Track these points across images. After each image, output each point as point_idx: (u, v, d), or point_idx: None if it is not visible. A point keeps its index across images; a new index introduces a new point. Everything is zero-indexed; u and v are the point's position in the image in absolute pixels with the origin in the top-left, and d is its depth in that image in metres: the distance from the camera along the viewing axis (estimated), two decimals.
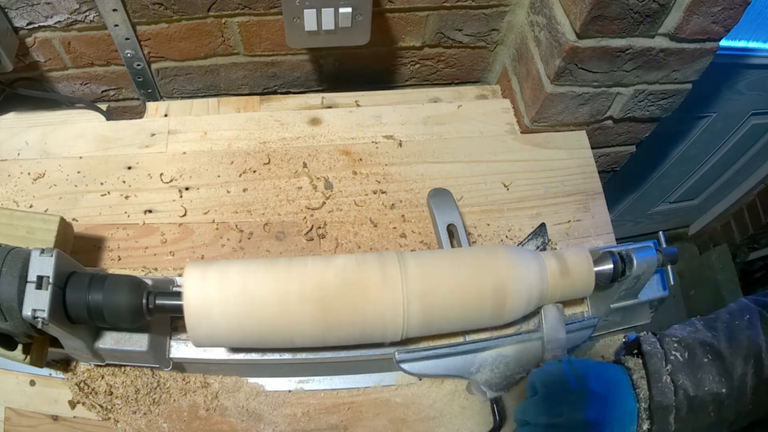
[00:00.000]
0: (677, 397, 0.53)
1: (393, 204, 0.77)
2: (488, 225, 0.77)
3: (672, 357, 0.54)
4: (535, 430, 0.56)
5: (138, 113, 0.94)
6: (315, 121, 0.84)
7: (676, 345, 0.55)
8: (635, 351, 0.59)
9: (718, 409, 0.53)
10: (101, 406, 0.62)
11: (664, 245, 0.61)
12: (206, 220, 0.74)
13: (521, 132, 0.86)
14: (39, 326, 0.48)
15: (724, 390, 0.53)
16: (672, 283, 0.64)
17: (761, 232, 1.80)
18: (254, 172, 0.79)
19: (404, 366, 0.60)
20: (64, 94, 0.88)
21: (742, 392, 0.53)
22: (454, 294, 0.55)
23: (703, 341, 0.55)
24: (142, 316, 0.53)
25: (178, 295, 0.52)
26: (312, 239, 0.74)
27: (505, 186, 0.77)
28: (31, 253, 0.49)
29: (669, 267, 0.61)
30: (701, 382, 0.53)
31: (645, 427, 0.54)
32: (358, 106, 0.88)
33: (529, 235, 0.67)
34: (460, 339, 0.62)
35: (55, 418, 0.63)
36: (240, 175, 0.78)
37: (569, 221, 0.79)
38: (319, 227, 0.75)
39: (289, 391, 0.65)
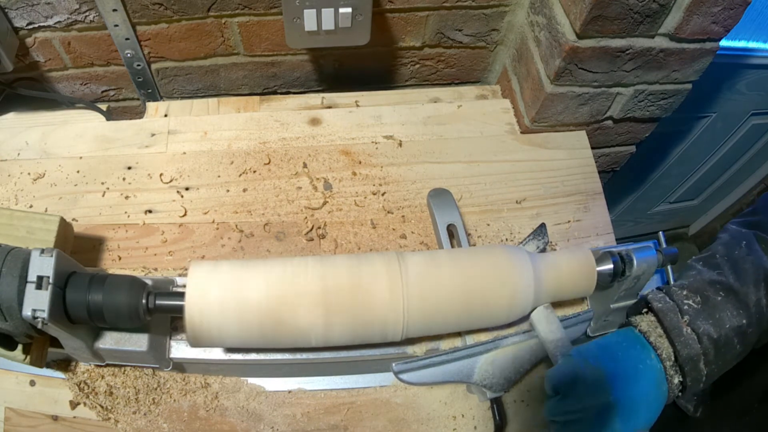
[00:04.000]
0: (702, 343, 0.53)
1: (393, 204, 0.77)
2: (488, 225, 0.77)
3: (686, 307, 0.54)
4: (567, 428, 0.56)
5: (138, 113, 0.94)
6: (315, 121, 0.84)
7: (686, 293, 0.55)
8: (644, 310, 0.58)
9: (741, 339, 0.54)
10: (101, 406, 0.62)
11: (664, 245, 0.61)
12: (206, 220, 0.74)
13: (521, 132, 0.86)
14: (39, 326, 0.48)
15: (744, 321, 0.54)
16: (672, 283, 0.64)
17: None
18: (254, 172, 0.79)
19: (403, 377, 0.60)
20: (64, 94, 0.88)
21: (761, 316, 0.54)
22: (454, 294, 0.55)
23: (711, 281, 0.56)
24: (142, 317, 0.53)
25: (178, 295, 0.52)
26: (312, 239, 0.74)
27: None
28: (31, 253, 0.49)
29: (669, 267, 0.61)
30: (721, 322, 0.54)
31: (676, 380, 0.54)
32: (358, 106, 0.88)
33: (529, 236, 0.67)
34: (459, 341, 0.62)
35: (55, 418, 0.63)
36: (240, 175, 0.78)
37: (569, 221, 0.79)
38: (319, 227, 0.75)
39: (289, 392, 0.65)
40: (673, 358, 0.54)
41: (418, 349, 0.62)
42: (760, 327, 0.54)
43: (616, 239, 0.79)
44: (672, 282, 0.63)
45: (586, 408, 0.54)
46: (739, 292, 0.54)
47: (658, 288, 0.59)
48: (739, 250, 0.57)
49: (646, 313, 0.58)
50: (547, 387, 0.58)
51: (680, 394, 0.56)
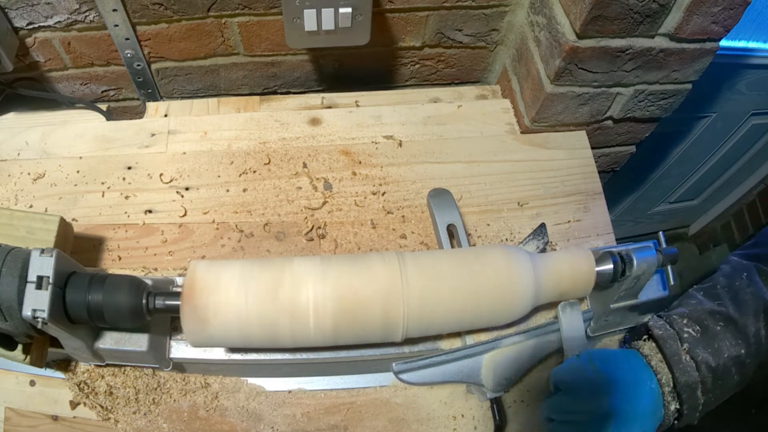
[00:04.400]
0: (700, 371, 0.54)
1: (393, 204, 0.77)
2: (488, 225, 0.77)
3: (686, 335, 0.55)
4: (562, 428, 0.56)
5: (138, 113, 0.94)
6: (315, 121, 0.84)
7: (686, 322, 0.56)
8: (645, 336, 0.59)
9: (740, 369, 0.55)
10: (101, 406, 0.62)
11: (663, 245, 0.61)
12: (206, 220, 0.74)
13: (521, 132, 0.86)
14: (39, 326, 0.48)
15: (742, 351, 0.54)
16: (672, 283, 0.64)
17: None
18: (254, 172, 0.79)
19: (403, 377, 0.60)
20: (64, 94, 0.88)
21: (759, 346, 0.54)
22: (454, 294, 0.55)
23: (711, 311, 0.56)
24: (142, 316, 0.53)
25: (178, 295, 0.52)
26: (312, 239, 0.74)
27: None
28: (31, 253, 0.49)
29: (669, 267, 0.62)
30: (720, 351, 0.54)
31: (673, 407, 0.55)
32: (358, 106, 0.88)
33: (528, 236, 0.67)
34: (459, 341, 0.62)
35: (55, 418, 0.63)
36: (240, 175, 0.78)
37: (569, 221, 0.79)
38: (319, 227, 0.75)
39: (289, 392, 0.65)
40: (671, 384, 0.55)
41: (418, 349, 0.62)
42: (758, 358, 0.55)
43: (616, 239, 0.79)
44: (671, 281, 0.64)
45: (584, 411, 0.55)
46: (738, 323, 0.55)
47: (658, 315, 0.59)
48: (740, 282, 0.58)
49: (647, 339, 0.59)
50: (551, 382, 0.58)
51: (675, 422, 0.56)
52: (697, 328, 0.56)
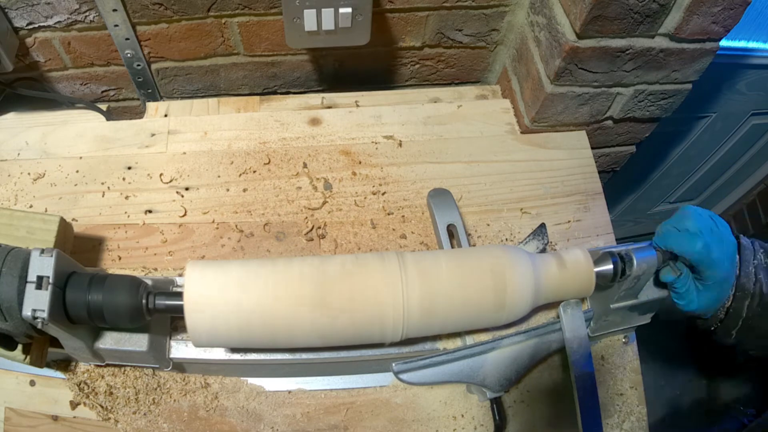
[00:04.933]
0: (755, 287, 0.59)
1: (393, 204, 0.77)
2: (488, 225, 0.77)
3: (759, 256, 0.61)
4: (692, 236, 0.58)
5: (138, 113, 0.94)
6: (315, 121, 0.84)
7: (762, 251, 0.61)
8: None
9: None
10: (101, 406, 0.62)
11: None
12: (206, 220, 0.74)
13: (521, 132, 0.86)
14: (39, 326, 0.48)
15: None
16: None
17: (761, 232, 1.79)
18: (254, 172, 0.79)
19: (403, 377, 0.60)
20: (64, 94, 0.88)
21: None
22: (454, 294, 0.55)
23: None
24: (142, 316, 0.53)
25: (178, 295, 0.52)
26: (312, 240, 0.74)
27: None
28: (31, 253, 0.49)
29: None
30: None
31: (728, 302, 0.60)
32: (358, 106, 0.88)
33: (529, 236, 0.67)
34: (459, 341, 0.62)
35: (55, 418, 0.63)
36: (240, 175, 0.78)
37: (569, 221, 0.79)
38: (319, 227, 0.75)
39: (289, 392, 0.65)
40: (737, 276, 0.59)
41: (418, 349, 0.62)
42: None
43: (616, 239, 0.79)
44: None
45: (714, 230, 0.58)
46: None
47: (746, 237, 0.64)
48: None
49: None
50: (693, 219, 0.59)
51: (719, 323, 0.61)
52: (767, 261, 0.61)
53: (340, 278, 0.54)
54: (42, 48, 0.79)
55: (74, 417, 0.63)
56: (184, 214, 0.75)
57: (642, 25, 0.68)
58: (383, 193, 0.78)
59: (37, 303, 0.48)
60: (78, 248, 0.70)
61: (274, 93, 0.94)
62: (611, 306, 0.62)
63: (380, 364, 0.64)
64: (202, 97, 0.92)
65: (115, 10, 0.74)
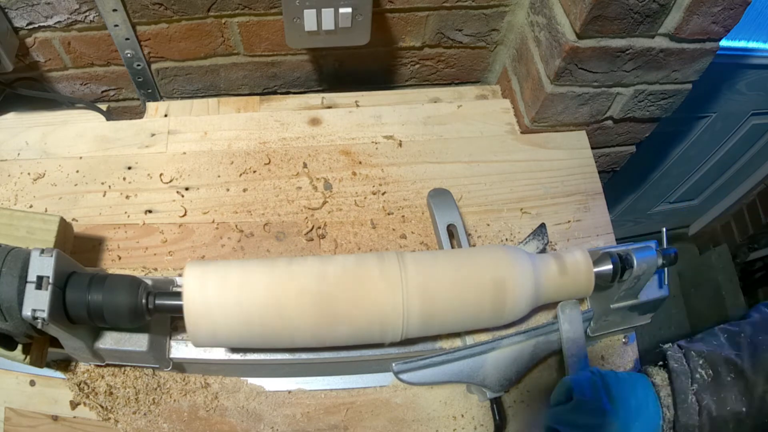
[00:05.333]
0: (701, 417, 0.54)
1: (393, 204, 0.77)
2: (488, 225, 0.77)
3: (698, 375, 0.56)
4: None
5: (138, 113, 0.94)
6: (315, 121, 0.84)
7: (701, 363, 0.56)
8: (660, 363, 0.59)
9: (736, 426, 0.54)
10: (101, 406, 0.62)
11: (665, 244, 0.61)
12: (206, 220, 0.74)
13: (521, 132, 0.86)
14: (39, 326, 0.48)
15: (744, 409, 0.54)
16: (666, 282, 0.64)
17: (761, 232, 1.79)
18: (254, 172, 0.79)
19: (403, 377, 0.60)
20: (64, 94, 0.88)
21: (761, 410, 0.54)
22: (454, 295, 0.55)
23: (727, 359, 0.56)
24: (142, 316, 0.53)
25: (177, 295, 0.52)
26: (312, 240, 0.74)
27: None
28: (31, 253, 0.49)
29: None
30: (724, 402, 0.54)
31: None
32: (358, 106, 0.88)
33: (528, 236, 0.67)
34: (459, 341, 0.62)
35: (55, 418, 0.63)
36: (240, 175, 0.78)
37: (569, 221, 0.79)
38: (319, 227, 0.75)
39: (289, 392, 0.65)
40: (671, 421, 0.56)
41: (418, 349, 0.62)
42: (756, 420, 0.55)
43: (616, 239, 0.79)
44: (666, 281, 0.64)
45: (591, 427, 0.54)
46: (748, 380, 0.55)
47: (678, 345, 0.59)
48: (764, 337, 0.57)
49: (662, 367, 0.59)
50: (562, 390, 0.57)
51: None
52: (710, 372, 0.56)
53: (339, 278, 0.54)
54: (42, 48, 0.79)
55: (74, 417, 0.63)
56: (184, 214, 0.75)
57: (642, 25, 0.68)
58: (383, 193, 0.78)
59: (37, 303, 0.48)
60: (78, 248, 0.70)
61: (274, 93, 0.94)
62: (611, 306, 0.62)
63: (380, 364, 0.64)
64: (202, 97, 0.92)
65: (115, 10, 0.74)
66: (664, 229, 0.63)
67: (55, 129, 0.81)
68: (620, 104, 0.82)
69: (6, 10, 0.73)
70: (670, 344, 0.59)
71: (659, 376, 0.58)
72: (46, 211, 0.73)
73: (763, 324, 0.58)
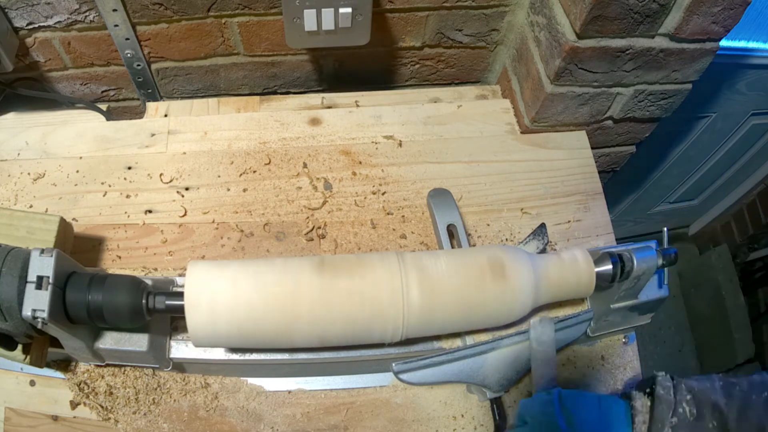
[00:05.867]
0: None
1: (393, 204, 0.77)
2: (488, 225, 0.77)
3: (681, 410, 0.54)
4: None
5: (138, 113, 0.94)
6: (315, 121, 0.84)
7: (688, 398, 0.55)
8: (647, 390, 0.58)
9: None
10: (101, 406, 0.62)
11: (665, 244, 0.61)
12: (206, 220, 0.74)
13: (521, 132, 0.86)
14: (39, 326, 0.48)
15: None
16: (666, 282, 0.64)
17: (761, 232, 1.79)
18: (254, 172, 0.79)
19: (403, 377, 0.60)
20: (64, 94, 0.88)
21: None
22: (454, 294, 0.55)
23: (715, 404, 0.54)
24: (142, 316, 0.53)
25: (178, 295, 0.52)
26: (312, 239, 0.74)
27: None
28: (31, 253, 0.49)
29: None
30: None
31: None
32: (358, 106, 0.88)
33: (529, 236, 0.67)
34: (459, 341, 0.62)
35: (55, 418, 0.63)
36: (240, 175, 0.78)
37: (569, 221, 0.79)
38: (319, 227, 0.75)
39: (289, 392, 0.65)
40: None
41: (418, 349, 0.62)
42: None
43: (616, 239, 0.79)
44: (665, 281, 0.63)
45: None
46: None
47: (671, 376, 0.58)
48: (757, 398, 0.55)
49: (648, 394, 0.58)
50: (518, 414, 0.57)
51: None
52: (694, 411, 0.54)
53: (339, 278, 0.54)
54: (42, 48, 0.79)
55: (74, 417, 0.63)
56: (184, 214, 0.75)
57: (642, 25, 0.68)
58: (383, 193, 0.78)
59: (37, 303, 0.48)
60: (78, 248, 0.70)
61: (274, 93, 0.94)
62: (611, 306, 0.62)
63: (380, 364, 0.64)
64: (202, 97, 0.92)
65: (115, 10, 0.74)
66: (666, 229, 0.63)
67: (55, 129, 0.81)
68: (620, 104, 0.82)
69: (6, 10, 0.73)
70: (664, 373, 0.58)
71: (640, 401, 0.56)
72: (46, 211, 0.73)
73: (761, 386, 0.57)
